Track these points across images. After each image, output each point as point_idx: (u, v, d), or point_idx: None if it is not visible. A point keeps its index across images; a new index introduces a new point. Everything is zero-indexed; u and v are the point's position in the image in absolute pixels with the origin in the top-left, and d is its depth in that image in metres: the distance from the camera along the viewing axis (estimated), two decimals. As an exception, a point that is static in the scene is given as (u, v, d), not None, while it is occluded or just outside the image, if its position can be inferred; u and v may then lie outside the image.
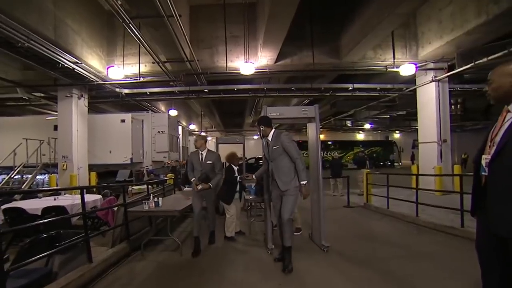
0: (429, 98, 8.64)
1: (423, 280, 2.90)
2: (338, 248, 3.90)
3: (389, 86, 10.48)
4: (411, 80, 9.46)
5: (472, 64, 6.90)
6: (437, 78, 8.34)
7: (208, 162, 4.05)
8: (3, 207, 4.39)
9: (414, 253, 3.74)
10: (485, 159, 1.52)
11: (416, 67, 7.93)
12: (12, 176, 8.95)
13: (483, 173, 1.54)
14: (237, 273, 3.22)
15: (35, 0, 6.08)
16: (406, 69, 7.82)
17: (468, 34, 6.36)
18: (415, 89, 9.29)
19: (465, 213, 4.32)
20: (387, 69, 8.44)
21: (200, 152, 4.11)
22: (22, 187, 8.71)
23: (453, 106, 9.02)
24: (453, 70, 7.79)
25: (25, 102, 10.44)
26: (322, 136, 22.77)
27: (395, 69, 8.18)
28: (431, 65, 8.34)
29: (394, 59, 8.24)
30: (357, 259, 3.54)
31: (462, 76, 8.70)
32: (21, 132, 9.82)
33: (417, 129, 10.18)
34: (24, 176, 9.29)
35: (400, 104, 14.36)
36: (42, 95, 9.82)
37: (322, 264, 3.41)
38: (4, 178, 8.84)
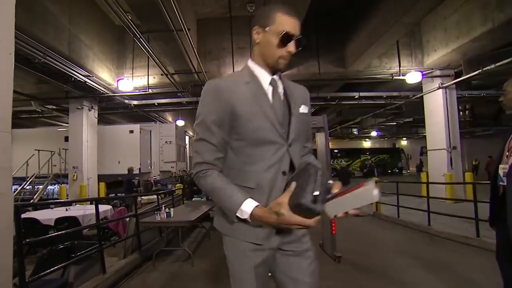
0: (437, 105, 8.61)
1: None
2: (350, 258, 3.84)
3: (395, 93, 10.48)
4: (418, 87, 9.45)
5: (480, 70, 6.89)
6: (444, 85, 8.34)
7: (302, 111, 1.11)
8: (18, 218, 4.47)
9: (430, 263, 3.66)
10: (502, 168, 1.52)
11: (422, 75, 7.97)
12: (24, 186, 9.14)
13: (500, 183, 1.53)
14: (250, 284, 3.20)
15: (52, 18, 6.37)
16: (412, 77, 7.86)
17: (474, 41, 6.39)
18: (422, 96, 9.28)
19: (480, 223, 4.22)
20: (393, 77, 8.48)
21: (274, 80, 1.08)
22: (34, 197, 8.87)
23: (461, 113, 8.93)
24: (460, 77, 7.78)
25: (38, 115, 10.74)
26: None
27: (401, 77, 8.23)
28: (438, 73, 8.35)
29: (400, 67, 8.29)
30: (371, 270, 3.49)
31: (470, 82, 8.67)
32: (33, 143, 10.07)
33: (424, 136, 10.09)
34: (35, 186, 9.47)
35: (407, 111, 14.26)
36: (54, 107, 10.10)
37: (335, 275, 3.36)
38: (17, 189, 9.02)
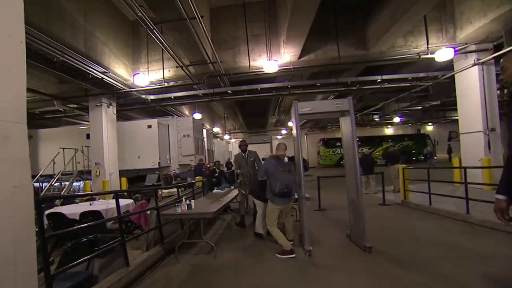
0: (472, 83, 7.86)
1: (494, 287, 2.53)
2: (381, 248, 3.59)
3: (421, 75, 9.74)
4: (447, 66, 8.70)
5: (524, 41, 6.15)
6: (481, 60, 7.54)
7: None
8: (46, 212, 4.60)
9: (472, 255, 3.31)
10: None
11: (455, 51, 7.21)
12: (52, 183, 9.55)
13: None
14: (277, 277, 3.04)
15: (68, 16, 6.42)
16: (443, 54, 7.15)
17: (518, 8, 5.67)
18: (453, 75, 8.53)
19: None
20: (420, 56, 7.82)
21: None
22: (61, 193, 9.25)
23: (498, 91, 8.09)
24: (500, 50, 6.99)
25: (61, 114, 11.13)
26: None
27: (429, 56, 7.55)
28: (473, 47, 7.57)
29: (428, 45, 7.62)
30: (405, 261, 3.21)
31: (510, 56, 7.81)
32: (58, 142, 10.48)
33: (453, 119, 9.39)
34: (62, 183, 9.87)
35: (434, 94, 13.36)
36: (75, 106, 10.39)
37: (366, 266, 3.12)
38: (46, 186, 9.44)
